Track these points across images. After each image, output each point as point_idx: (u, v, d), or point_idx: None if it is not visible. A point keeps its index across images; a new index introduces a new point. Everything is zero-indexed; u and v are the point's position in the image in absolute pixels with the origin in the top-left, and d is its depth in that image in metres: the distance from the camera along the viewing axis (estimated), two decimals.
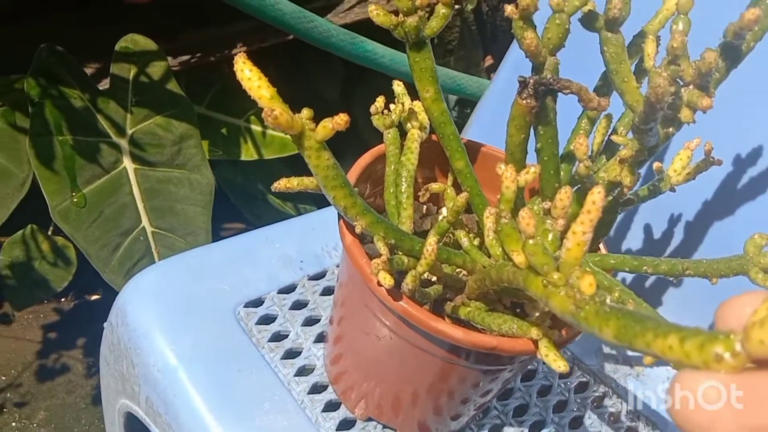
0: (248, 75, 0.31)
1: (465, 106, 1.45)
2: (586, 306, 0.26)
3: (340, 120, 0.31)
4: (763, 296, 0.18)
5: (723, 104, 0.55)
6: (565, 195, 0.29)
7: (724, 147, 0.49)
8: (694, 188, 0.50)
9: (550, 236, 0.33)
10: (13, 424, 1.06)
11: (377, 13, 0.37)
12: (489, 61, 1.49)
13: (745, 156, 0.54)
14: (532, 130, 0.36)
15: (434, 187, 0.45)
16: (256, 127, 1.00)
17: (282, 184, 0.38)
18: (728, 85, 0.53)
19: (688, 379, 0.20)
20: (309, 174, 0.36)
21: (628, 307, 0.25)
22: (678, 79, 0.34)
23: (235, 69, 0.32)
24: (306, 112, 0.32)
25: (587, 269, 0.27)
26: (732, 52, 0.34)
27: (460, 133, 0.47)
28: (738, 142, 0.54)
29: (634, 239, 0.63)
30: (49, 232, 1.01)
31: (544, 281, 0.29)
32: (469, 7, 1.23)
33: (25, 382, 1.12)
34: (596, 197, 0.26)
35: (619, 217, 0.64)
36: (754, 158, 0.54)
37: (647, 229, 0.62)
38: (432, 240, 0.36)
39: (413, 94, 0.46)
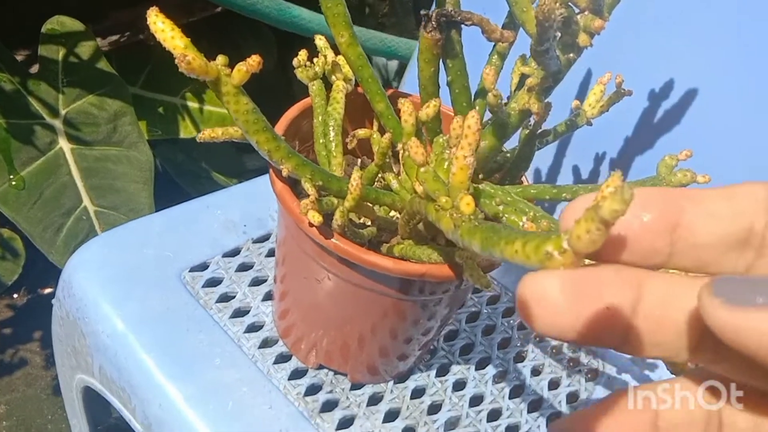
0: (161, 27, 0.32)
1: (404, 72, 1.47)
2: (463, 224, 0.28)
3: (253, 62, 0.32)
4: (594, 196, 0.19)
5: (633, 40, 0.58)
6: (457, 124, 0.30)
7: (638, 81, 0.51)
8: (613, 124, 0.53)
9: (446, 164, 0.35)
10: None
11: None
12: None
13: (657, 89, 0.57)
14: (441, 64, 0.38)
15: (360, 132, 0.46)
16: (192, 104, 1.01)
17: (206, 134, 0.39)
18: (635, 19, 0.56)
19: (529, 281, 0.21)
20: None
21: (493, 223, 0.27)
22: (573, 6, 0.36)
23: (148, 23, 0.33)
24: (221, 59, 0.34)
25: (468, 192, 0.29)
26: None
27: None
28: (650, 75, 0.57)
29: (563, 179, 0.66)
30: None
31: (436, 206, 0.31)
32: None
33: None
34: (470, 121, 0.28)
35: (549, 159, 0.67)
36: (666, 90, 0.57)
37: (575, 169, 0.65)
38: (356, 175, 0.37)
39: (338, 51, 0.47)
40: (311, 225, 0.39)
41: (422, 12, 0.34)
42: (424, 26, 0.34)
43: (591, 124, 0.51)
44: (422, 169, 0.34)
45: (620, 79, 0.49)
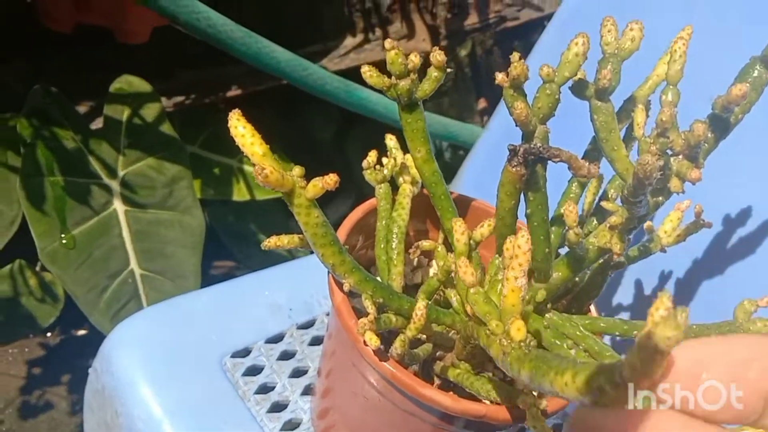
0: (242, 132, 0.32)
1: (458, 147, 1.46)
2: (512, 351, 0.26)
3: (330, 180, 0.31)
4: None
5: (713, 166, 0.56)
6: (510, 244, 0.29)
7: (714, 207, 0.49)
8: (684, 247, 0.50)
9: (499, 287, 0.33)
10: None
11: (370, 75, 0.37)
12: (483, 104, 1.51)
13: (734, 217, 0.54)
14: (522, 195, 0.36)
15: (425, 245, 0.44)
16: (249, 168, 1.00)
17: (272, 242, 0.38)
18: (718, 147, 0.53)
19: (583, 419, 0.19)
20: None
21: (543, 351, 0.25)
22: (668, 149, 0.34)
23: (229, 125, 0.33)
24: (297, 170, 0.33)
25: (520, 316, 0.28)
26: (720, 124, 0.34)
27: (451, 181, 0.48)
28: (727, 203, 0.55)
29: (624, 296, 0.63)
30: (37, 268, 1.00)
31: (487, 331, 0.29)
32: (463, 52, 1.25)
33: (7, 419, 1.10)
34: (520, 241, 0.26)
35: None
36: (743, 220, 0.54)
37: (638, 286, 0.62)
38: (421, 304, 0.35)
39: (406, 146, 0.46)
40: (366, 344, 0.37)
41: (509, 146, 0.32)
42: (510, 160, 0.33)
43: (665, 251, 0.48)
44: (472, 290, 0.32)
45: (699, 209, 0.47)
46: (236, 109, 0.33)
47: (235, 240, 1.04)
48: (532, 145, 0.32)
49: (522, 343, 0.28)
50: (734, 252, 0.54)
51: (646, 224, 0.49)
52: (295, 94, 1.04)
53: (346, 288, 0.37)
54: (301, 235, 0.38)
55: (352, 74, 0.88)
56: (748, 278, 0.53)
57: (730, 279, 0.55)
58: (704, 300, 0.57)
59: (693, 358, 0.19)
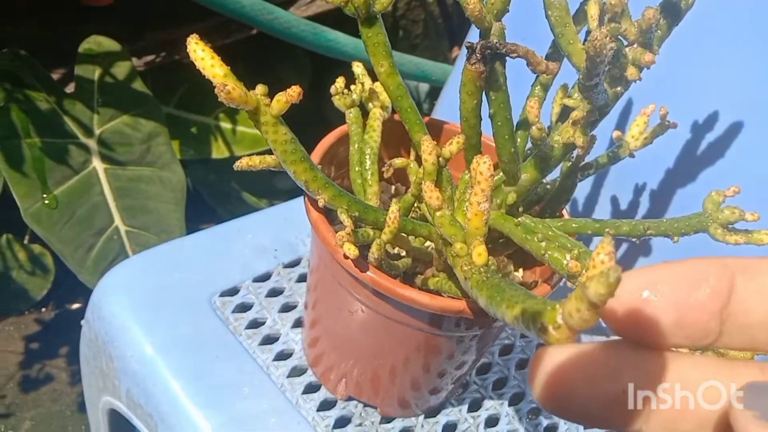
0: (201, 55, 0.32)
1: (436, 97, 1.46)
2: (473, 276, 0.27)
3: (293, 92, 0.32)
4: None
5: (678, 72, 0.57)
6: (476, 163, 0.30)
7: (682, 113, 0.50)
8: (655, 156, 0.51)
9: (466, 206, 0.34)
10: None
11: None
12: (456, 52, 1.50)
13: (702, 121, 0.55)
14: (485, 96, 0.37)
15: (397, 162, 0.45)
16: (226, 125, 1.01)
17: (244, 162, 0.38)
18: (681, 51, 0.55)
19: (540, 356, 0.20)
20: None
21: (498, 278, 0.26)
22: (622, 39, 0.35)
23: (188, 50, 0.33)
24: (260, 88, 0.33)
25: (481, 240, 0.28)
26: (672, 9, 0.35)
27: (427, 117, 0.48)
28: (694, 107, 0.55)
29: (601, 210, 0.64)
30: (25, 241, 1.01)
31: (453, 251, 0.30)
32: None
33: (9, 393, 1.12)
34: (482, 167, 0.27)
35: (587, 189, 0.65)
36: (710, 123, 0.55)
37: (614, 200, 0.64)
38: (394, 208, 0.36)
39: (375, 78, 0.46)
40: (346, 257, 0.38)
41: (467, 44, 0.33)
42: (468, 58, 0.33)
43: (633, 156, 0.49)
44: (438, 214, 0.33)
45: (665, 111, 0.48)
46: (193, 34, 0.33)
47: (219, 198, 1.04)
48: (488, 41, 0.33)
49: (483, 268, 0.29)
50: (703, 155, 0.56)
51: (615, 133, 0.50)
52: (266, 46, 1.03)
53: (320, 204, 0.38)
54: (273, 156, 0.39)
55: (321, 20, 0.88)
56: (718, 179, 0.54)
57: (701, 182, 0.56)
58: (678, 204, 0.58)
59: (638, 285, 0.19)
